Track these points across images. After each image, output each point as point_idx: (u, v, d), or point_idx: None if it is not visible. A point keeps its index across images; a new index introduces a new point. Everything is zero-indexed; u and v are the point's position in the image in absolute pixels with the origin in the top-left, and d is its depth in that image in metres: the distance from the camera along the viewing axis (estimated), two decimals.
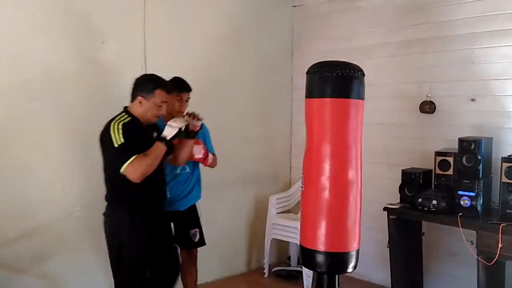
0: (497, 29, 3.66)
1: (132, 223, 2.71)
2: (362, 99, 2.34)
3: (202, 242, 3.37)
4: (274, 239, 4.54)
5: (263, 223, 4.58)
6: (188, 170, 3.30)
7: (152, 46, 3.80)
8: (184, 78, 3.08)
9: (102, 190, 3.48)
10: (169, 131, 2.69)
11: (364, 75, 2.33)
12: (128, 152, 2.54)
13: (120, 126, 2.59)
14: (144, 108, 2.70)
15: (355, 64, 2.34)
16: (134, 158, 2.53)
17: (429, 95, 3.99)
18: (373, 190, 3.81)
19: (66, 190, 3.34)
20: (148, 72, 3.66)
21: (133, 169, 2.53)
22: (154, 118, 2.77)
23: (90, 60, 3.46)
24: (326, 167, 2.33)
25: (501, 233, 3.09)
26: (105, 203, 2.79)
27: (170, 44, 3.94)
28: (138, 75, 3.65)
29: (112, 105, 3.50)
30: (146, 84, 2.74)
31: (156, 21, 3.81)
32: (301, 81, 4.70)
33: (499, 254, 3.09)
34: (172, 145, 2.77)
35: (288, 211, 4.77)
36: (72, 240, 3.40)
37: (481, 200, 3.36)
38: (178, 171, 3.22)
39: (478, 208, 3.35)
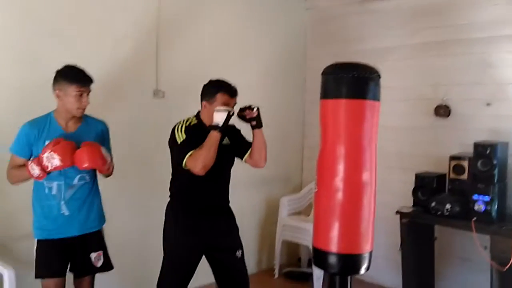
0: None
1: (175, 221, 2.82)
2: (378, 100, 2.32)
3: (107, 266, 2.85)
4: (284, 241, 4.54)
5: (274, 225, 4.57)
6: (87, 180, 2.72)
7: (165, 47, 3.82)
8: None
9: (114, 190, 3.56)
10: (219, 117, 2.63)
11: (380, 76, 2.31)
12: (188, 147, 2.63)
13: (184, 127, 2.71)
14: (210, 113, 2.72)
15: (371, 66, 2.32)
16: (193, 152, 2.60)
17: (445, 98, 3.97)
18: (386, 194, 3.77)
19: None
20: (159, 75, 3.77)
21: (192, 161, 2.59)
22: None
23: (106, 60, 3.49)
24: (340, 168, 2.31)
25: None
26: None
27: (183, 45, 3.95)
28: (151, 75, 3.75)
29: (124, 103, 3.59)
30: (209, 89, 2.79)
31: (170, 22, 3.83)
32: (314, 83, 4.71)
33: None
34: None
35: (299, 213, 4.76)
36: None
37: (496, 205, 3.33)
38: (75, 181, 2.65)
39: (493, 213, 3.32)
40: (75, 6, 3.33)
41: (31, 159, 2.51)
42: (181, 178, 2.81)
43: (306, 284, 4.35)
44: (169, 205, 2.89)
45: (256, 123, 2.78)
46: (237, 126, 2.95)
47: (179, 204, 2.84)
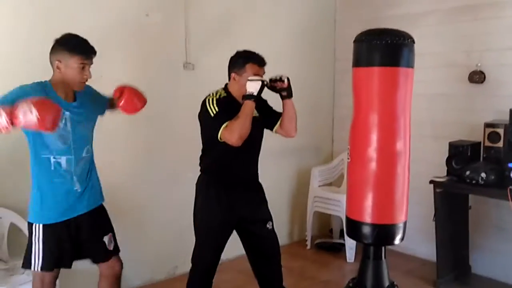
0: None
1: (207, 195, 2.82)
2: (412, 67, 2.27)
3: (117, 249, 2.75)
4: (316, 212, 4.55)
5: (305, 196, 4.58)
6: (91, 152, 2.60)
7: (194, 18, 3.80)
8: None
9: (145, 162, 3.60)
10: (253, 86, 2.60)
11: (414, 42, 2.25)
12: (222, 119, 2.62)
13: (215, 100, 2.69)
14: (239, 84, 2.72)
15: (404, 31, 2.26)
16: (228, 123, 2.60)
17: (479, 64, 3.84)
18: (419, 163, 3.72)
19: (113, 161, 3.41)
20: (189, 47, 3.76)
21: (228, 132, 2.59)
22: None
23: (134, 32, 3.50)
24: (374, 138, 2.28)
25: None
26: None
27: (211, 16, 3.93)
28: (181, 47, 3.74)
29: (154, 75, 3.61)
30: (237, 60, 2.78)
31: None
32: (344, 52, 4.70)
33: None
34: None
35: (330, 184, 4.75)
36: (120, 209, 3.49)
37: None
38: (83, 153, 2.51)
39: None
40: None
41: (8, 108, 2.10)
42: (213, 152, 2.82)
43: (338, 255, 4.37)
44: (200, 179, 2.91)
45: (287, 93, 2.77)
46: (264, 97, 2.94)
47: (210, 178, 2.86)
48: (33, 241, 2.40)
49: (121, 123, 3.38)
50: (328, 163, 4.84)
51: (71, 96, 2.45)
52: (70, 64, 2.34)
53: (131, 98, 2.64)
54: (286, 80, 2.74)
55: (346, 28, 4.78)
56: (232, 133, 2.58)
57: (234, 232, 2.90)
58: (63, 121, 2.35)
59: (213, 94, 2.75)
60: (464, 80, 3.92)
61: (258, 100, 2.79)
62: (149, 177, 3.67)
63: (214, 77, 3.85)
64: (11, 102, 2.13)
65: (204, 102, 2.73)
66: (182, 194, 3.73)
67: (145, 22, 3.56)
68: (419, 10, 4.22)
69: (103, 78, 3.27)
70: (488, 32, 3.83)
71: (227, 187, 2.81)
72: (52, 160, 2.37)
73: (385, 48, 2.21)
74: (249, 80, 2.63)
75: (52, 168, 2.38)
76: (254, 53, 2.77)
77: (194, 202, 2.89)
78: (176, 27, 3.74)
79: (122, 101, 2.62)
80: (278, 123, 2.87)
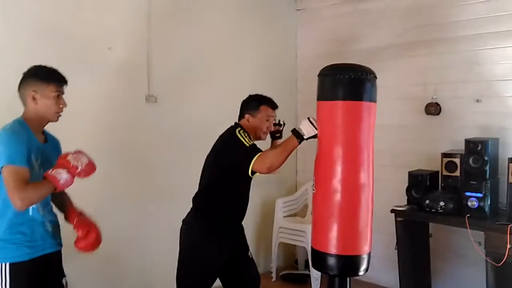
0: (501, 30, 3.68)
1: (209, 236, 2.76)
2: (375, 101, 2.34)
3: None
4: (281, 243, 4.54)
5: (270, 227, 4.58)
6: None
7: (157, 52, 3.81)
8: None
9: (108, 196, 3.52)
10: (308, 130, 2.51)
11: (376, 77, 2.33)
12: (257, 150, 2.64)
13: (246, 133, 2.73)
14: (252, 126, 2.83)
15: (367, 67, 2.33)
16: (262, 153, 2.61)
17: (435, 96, 4.01)
18: (380, 192, 3.74)
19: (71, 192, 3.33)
20: (151, 80, 3.76)
21: (262, 160, 2.57)
22: (263, 135, 2.91)
23: (97, 66, 3.47)
24: (338, 169, 2.32)
25: (510, 234, 3.09)
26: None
27: (174, 50, 3.94)
28: (143, 80, 3.73)
29: (116, 109, 3.57)
30: (251, 102, 2.90)
31: (161, 26, 3.82)
32: (306, 84, 4.80)
33: (507, 255, 3.08)
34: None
35: (295, 215, 4.77)
36: None
37: (489, 201, 3.37)
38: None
39: (486, 209, 3.35)
40: (65, 10, 3.31)
41: (53, 166, 2.14)
42: (220, 194, 2.78)
43: (304, 287, 4.36)
44: (198, 221, 2.82)
45: (280, 135, 3.01)
46: None
47: (213, 222, 2.78)
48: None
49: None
50: (292, 194, 4.87)
51: (42, 138, 2.34)
52: (47, 93, 2.25)
53: (93, 242, 2.43)
54: (282, 125, 2.99)
55: (307, 61, 4.90)
56: (267, 160, 2.57)
57: None
58: (39, 162, 2.23)
59: (237, 129, 2.74)
60: (421, 111, 4.07)
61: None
62: (109, 210, 3.57)
63: (177, 109, 3.88)
64: (26, 157, 2.12)
65: (232, 134, 2.71)
66: (143, 227, 3.67)
67: (108, 55, 3.53)
68: (378, 45, 4.38)
69: (65, 109, 3.27)
70: (442, 66, 4.01)
71: (226, 233, 2.81)
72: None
73: (348, 83, 2.27)
74: (308, 120, 2.52)
75: (27, 213, 2.20)
76: (267, 96, 2.94)
77: (185, 243, 2.81)
78: (139, 60, 3.73)
79: (82, 242, 2.39)
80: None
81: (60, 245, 2.43)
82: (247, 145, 2.64)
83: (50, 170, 2.13)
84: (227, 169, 2.73)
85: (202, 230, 2.78)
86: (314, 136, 2.50)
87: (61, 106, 2.31)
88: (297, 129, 2.54)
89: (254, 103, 2.89)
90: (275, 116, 2.95)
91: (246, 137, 2.68)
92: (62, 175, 2.12)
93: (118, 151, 3.58)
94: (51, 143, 2.40)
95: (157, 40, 3.80)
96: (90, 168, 2.25)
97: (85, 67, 3.40)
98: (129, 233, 3.66)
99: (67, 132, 3.25)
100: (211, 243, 2.74)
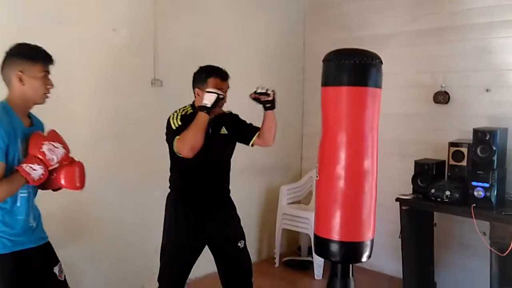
0: None
1: (175, 213, 2.80)
2: (380, 87, 2.30)
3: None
4: (284, 229, 4.55)
5: (274, 213, 4.58)
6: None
7: (163, 35, 3.78)
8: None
9: (112, 179, 3.53)
10: (208, 98, 2.58)
11: (381, 63, 2.29)
12: (180, 132, 2.60)
13: (179, 115, 2.69)
14: (203, 99, 2.68)
15: (372, 52, 2.30)
16: (181, 134, 2.58)
17: (443, 85, 3.96)
18: (386, 181, 3.76)
19: None
20: (157, 64, 3.74)
21: (181, 143, 2.57)
22: (218, 109, 2.75)
23: (102, 48, 3.45)
24: (342, 156, 2.30)
25: None
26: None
27: (180, 34, 3.92)
28: (149, 64, 3.71)
29: (121, 92, 3.57)
30: (199, 75, 2.79)
31: (167, 9, 3.80)
32: (313, 71, 4.75)
33: None
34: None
35: (299, 202, 4.77)
36: (85, 230, 3.43)
37: (495, 191, 3.33)
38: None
39: (492, 199, 3.32)
40: None
41: (23, 159, 2.02)
42: (179, 169, 2.80)
43: (306, 273, 4.37)
44: (168, 197, 2.89)
45: (271, 105, 2.84)
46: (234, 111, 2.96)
47: (177, 196, 2.84)
48: None
49: (85, 138, 3.33)
50: (297, 181, 4.86)
51: (28, 121, 2.20)
52: (33, 73, 2.10)
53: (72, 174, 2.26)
54: (272, 94, 2.79)
55: (314, 48, 4.85)
56: (184, 143, 2.56)
57: (205, 249, 2.87)
58: (24, 147, 2.09)
59: (179, 110, 2.76)
60: (429, 100, 4.02)
61: (228, 117, 2.78)
62: (114, 195, 3.59)
63: (183, 93, 3.84)
64: (3, 151, 1.98)
65: (168, 119, 2.72)
66: (147, 212, 3.69)
67: (112, 37, 3.51)
68: (386, 32, 4.32)
69: (70, 94, 3.27)
70: (452, 54, 3.95)
71: (194, 205, 2.78)
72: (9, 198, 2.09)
73: (353, 68, 2.24)
74: (206, 91, 2.61)
75: (9, 205, 2.10)
76: (216, 67, 2.78)
77: (164, 221, 2.87)
78: (144, 43, 3.71)
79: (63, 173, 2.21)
80: (255, 136, 2.89)
81: (45, 238, 2.32)
82: (173, 127, 2.65)
83: (24, 163, 2.01)
84: (171, 153, 2.76)
85: (170, 206, 2.84)
86: (218, 99, 2.58)
87: (48, 87, 2.17)
88: (200, 105, 2.60)
89: (202, 75, 2.76)
90: (227, 88, 2.79)
91: (176, 119, 2.66)
92: (36, 171, 2.00)
93: (123, 135, 3.59)
94: (38, 126, 2.27)
95: (163, 21, 3.78)
96: (67, 154, 2.14)
97: (90, 49, 3.38)
98: (133, 218, 3.68)
99: (71, 115, 3.30)
100: (179, 218, 2.78)
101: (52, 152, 2.06)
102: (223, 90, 2.72)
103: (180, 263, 2.79)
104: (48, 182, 2.19)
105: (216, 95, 2.59)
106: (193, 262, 2.81)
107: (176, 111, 2.75)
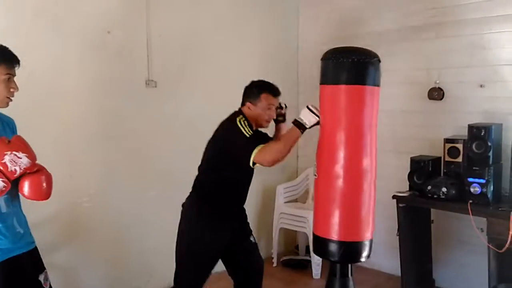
0: (507, 14, 3.60)
1: (205, 222, 2.76)
2: (378, 85, 2.30)
3: None
4: (282, 228, 4.54)
5: (271, 213, 4.56)
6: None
7: (156, 34, 3.75)
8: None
9: (109, 180, 3.51)
10: (309, 118, 2.47)
11: (379, 61, 2.29)
12: (257, 141, 2.58)
13: (247, 122, 2.66)
14: (254, 114, 2.73)
15: (370, 50, 2.30)
16: (263, 145, 2.55)
17: (438, 81, 3.95)
18: (382, 178, 3.72)
19: (73, 178, 3.32)
20: (151, 65, 3.71)
21: (263, 154, 2.52)
22: (265, 123, 2.79)
23: (96, 50, 3.42)
24: (341, 155, 2.30)
25: None
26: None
27: (174, 34, 3.89)
28: (143, 63, 3.68)
29: (116, 93, 3.54)
30: (252, 90, 2.79)
31: (161, 8, 3.77)
32: (308, 70, 4.74)
33: (510, 241, 3.06)
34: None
35: (296, 200, 4.76)
36: (81, 231, 3.40)
37: (491, 187, 3.33)
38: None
39: (489, 195, 3.32)
40: None
41: None
42: (219, 178, 2.76)
43: (305, 272, 4.36)
44: (195, 204, 2.82)
45: (283, 118, 2.90)
46: None
47: (207, 203, 2.78)
48: None
49: (81, 139, 3.32)
50: (293, 179, 4.84)
51: None
52: None
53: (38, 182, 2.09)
54: (285, 108, 2.87)
55: (309, 47, 4.84)
56: (268, 154, 2.52)
57: None
58: None
59: (239, 118, 2.68)
60: (423, 96, 4.02)
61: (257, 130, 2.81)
62: (110, 195, 3.57)
63: (177, 94, 3.84)
64: None
65: (233, 123, 2.66)
66: (144, 212, 3.67)
67: (107, 39, 3.48)
68: (380, 29, 4.31)
69: (64, 95, 3.24)
70: (447, 50, 3.94)
71: (224, 217, 2.78)
72: None
73: (351, 67, 2.23)
74: (308, 108, 2.49)
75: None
76: (268, 83, 2.82)
77: (182, 225, 2.81)
78: (138, 44, 3.68)
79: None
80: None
81: (32, 243, 2.24)
82: (247, 135, 2.60)
83: None
84: (225, 157, 2.70)
85: (198, 213, 2.78)
86: (317, 123, 2.47)
87: (12, 90, 2.06)
88: (298, 119, 2.50)
89: (255, 90, 2.78)
90: (278, 103, 2.84)
91: (246, 126, 2.62)
92: None
93: (118, 136, 3.56)
94: (4, 125, 2.17)
95: (156, 23, 3.74)
96: (32, 164, 1.99)
97: (85, 51, 3.35)
98: (129, 218, 3.66)
99: (66, 116, 3.27)
100: (206, 226, 2.74)
101: (14, 163, 1.93)
102: (275, 106, 2.79)
103: (201, 272, 2.79)
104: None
105: (318, 118, 2.45)
106: (211, 270, 2.83)
107: (237, 118, 2.67)
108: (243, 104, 2.81)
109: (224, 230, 2.77)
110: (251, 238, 2.93)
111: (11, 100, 2.09)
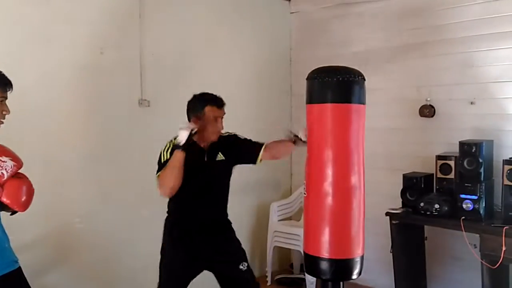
0: (495, 32, 3.66)
1: (170, 238, 2.79)
2: (363, 103, 2.32)
3: None
4: (276, 247, 4.52)
5: (265, 231, 4.56)
6: None
7: (148, 53, 3.79)
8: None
9: (101, 200, 3.51)
10: (181, 135, 2.53)
11: (364, 79, 2.31)
12: (163, 167, 2.59)
13: (171, 148, 2.62)
14: (200, 128, 2.65)
15: (355, 69, 2.32)
16: (160, 173, 2.58)
17: (429, 99, 3.99)
18: (375, 195, 3.78)
19: (64, 199, 3.32)
20: (144, 84, 3.74)
21: (160, 183, 2.57)
22: (213, 136, 2.73)
23: (89, 69, 3.45)
24: (329, 172, 2.30)
25: (505, 236, 3.09)
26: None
27: (167, 51, 3.93)
28: (136, 82, 3.71)
29: (109, 113, 3.56)
30: (195, 103, 2.73)
31: (154, 29, 3.81)
32: (300, 88, 4.74)
33: (503, 257, 3.08)
34: None
35: (290, 218, 4.75)
36: (72, 252, 3.39)
37: (484, 203, 3.35)
38: None
39: (481, 211, 3.34)
40: (58, 13, 3.29)
41: None
42: (174, 195, 2.73)
43: None
44: (165, 222, 2.86)
45: (295, 141, 2.83)
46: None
47: (174, 221, 2.82)
48: None
49: (73, 158, 3.33)
50: (287, 197, 4.85)
51: None
52: None
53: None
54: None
55: (301, 64, 4.88)
56: (162, 185, 2.57)
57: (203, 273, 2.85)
58: None
59: (174, 139, 2.64)
60: (415, 114, 4.05)
61: (226, 142, 2.78)
62: (102, 216, 3.56)
63: (170, 113, 3.85)
64: None
65: (162, 149, 2.69)
66: (136, 232, 3.65)
67: (100, 59, 3.51)
68: (371, 48, 4.37)
69: (56, 115, 3.26)
70: (437, 68, 3.99)
71: (190, 231, 2.77)
72: None
73: (337, 86, 2.26)
74: (179, 128, 2.56)
75: None
76: (211, 94, 2.75)
77: (161, 245, 2.85)
78: (131, 64, 3.71)
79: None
80: (261, 152, 2.84)
81: (16, 262, 2.21)
82: (161, 161, 2.64)
83: None
84: None
85: (164, 231, 2.84)
86: (190, 136, 2.52)
87: (4, 113, 2.08)
88: (175, 143, 2.55)
89: (198, 104, 2.70)
90: (224, 114, 2.75)
91: (167, 152, 2.62)
92: None
93: (111, 155, 3.57)
94: None
95: (149, 42, 3.79)
96: (17, 167, 1.98)
97: (77, 71, 3.38)
98: (121, 236, 3.64)
99: (60, 135, 3.28)
100: (168, 244, 2.79)
101: (0, 167, 1.93)
102: (220, 117, 2.73)
103: (175, 284, 2.78)
104: None
105: (188, 131, 2.53)
106: (187, 282, 2.79)
107: (171, 140, 2.67)
108: (188, 120, 2.72)
109: (194, 245, 2.74)
110: (241, 266, 2.81)
111: (2, 122, 2.10)
